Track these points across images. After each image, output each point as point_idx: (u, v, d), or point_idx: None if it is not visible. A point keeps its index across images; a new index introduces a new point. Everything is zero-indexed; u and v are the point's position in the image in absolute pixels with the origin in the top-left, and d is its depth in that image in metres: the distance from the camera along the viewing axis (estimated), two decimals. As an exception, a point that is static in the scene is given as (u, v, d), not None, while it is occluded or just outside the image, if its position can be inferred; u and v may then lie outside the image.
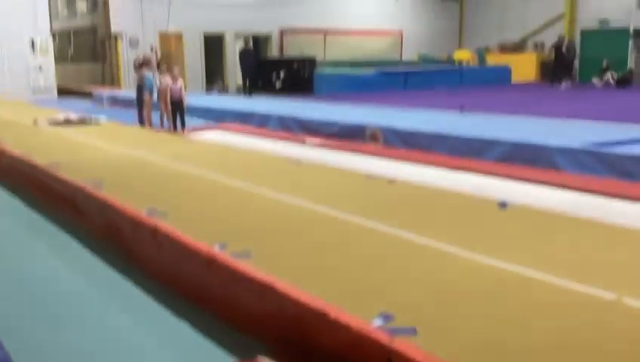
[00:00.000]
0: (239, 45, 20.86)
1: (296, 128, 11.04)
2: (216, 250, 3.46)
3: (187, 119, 11.28)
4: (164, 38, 21.07)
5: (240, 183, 5.47)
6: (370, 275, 3.19)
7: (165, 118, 11.35)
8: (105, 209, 4.78)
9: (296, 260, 3.44)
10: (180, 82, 10.97)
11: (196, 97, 16.03)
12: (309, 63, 19.77)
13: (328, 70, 20.72)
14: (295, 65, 19.80)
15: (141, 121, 11.62)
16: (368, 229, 4.02)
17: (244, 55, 18.92)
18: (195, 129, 11.24)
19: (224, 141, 9.29)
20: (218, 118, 12.98)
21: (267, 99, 16.66)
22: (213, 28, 21.47)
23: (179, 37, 21.21)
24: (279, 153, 8.00)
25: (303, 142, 9.74)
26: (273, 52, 23.12)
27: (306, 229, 4.07)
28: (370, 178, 5.76)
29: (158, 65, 11.66)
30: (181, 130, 10.78)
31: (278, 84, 19.99)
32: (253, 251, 3.49)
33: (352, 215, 4.32)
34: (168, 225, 3.98)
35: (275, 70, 20.21)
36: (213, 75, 22.57)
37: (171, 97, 10.80)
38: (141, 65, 11.75)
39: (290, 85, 19.45)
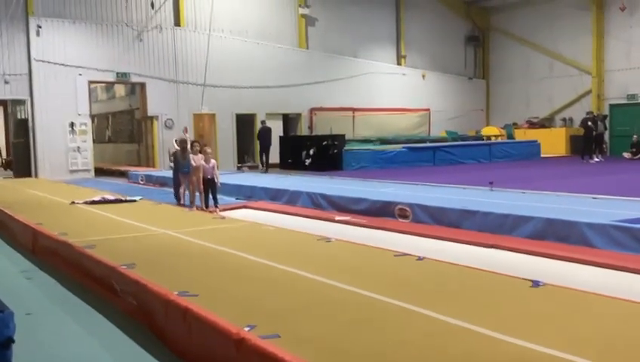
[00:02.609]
0: (260, 125, 21.66)
1: (326, 205, 11.14)
2: (245, 332, 3.48)
3: (219, 197, 11.48)
4: (198, 118, 21.77)
5: (270, 262, 5.52)
6: (400, 358, 3.17)
7: (197, 197, 11.58)
8: (137, 289, 4.86)
9: (326, 341, 3.43)
10: (213, 161, 11.26)
11: (228, 175, 16.37)
12: (338, 140, 20.11)
13: (357, 147, 21.01)
14: (324, 143, 20.15)
15: (177, 200, 11.93)
16: (398, 309, 4.01)
17: (262, 133, 20.43)
18: (227, 207, 11.43)
19: (255, 219, 9.43)
20: (249, 195, 13.20)
21: (297, 176, 16.92)
22: (245, 108, 22.15)
23: (212, 117, 21.89)
24: (309, 230, 8.07)
25: (332, 219, 9.82)
26: (303, 130, 23.64)
27: (335, 309, 4.07)
28: (400, 255, 5.77)
29: (191, 146, 11.99)
30: (214, 208, 10.97)
31: (307, 161, 20.29)
32: (282, 332, 3.50)
33: (381, 294, 4.32)
34: (199, 306, 4.03)
35: (305, 147, 20.58)
36: (245, 154, 23.09)
37: (204, 175, 11.06)
38: (184, 148, 12.13)
39: (320, 162, 19.72)
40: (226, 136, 22.02)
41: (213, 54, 21.14)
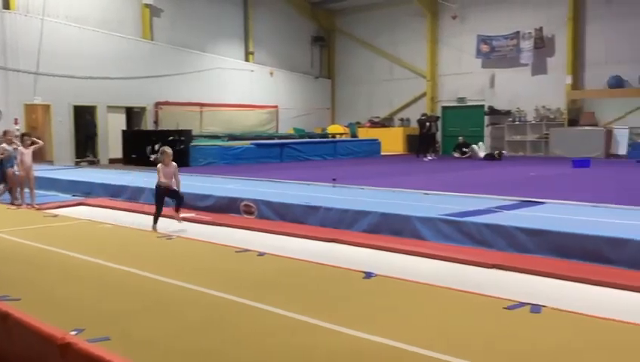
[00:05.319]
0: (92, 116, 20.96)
1: (170, 202, 10.83)
2: (71, 336, 3.29)
3: (48, 193, 10.75)
4: (31, 109, 20.19)
5: (105, 262, 5.28)
6: (237, 355, 3.17)
7: (21, 193, 10.74)
8: (-50, 295, 4.40)
9: (161, 343, 3.34)
10: (174, 165, 8.78)
11: (64, 171, 15.40)
12: (185, 135, 19.67)
13: (204, 142, 20.71)
14: (170, 138, 19.61)
15: (13, 198, 10.97)
16: (237, 305, 4.01)
17: (86, 125, 20.81)
18: (61, 204, 10.74)
19: (92, 216, 8.95)
20: (87, 192, 12.51)
21: (141, 171, 16.31)
22: (85, 100, 20.90)
23: (46, 108, 20.41)
24: (151, 228, 7.82)
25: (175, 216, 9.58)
26: (148, 124, 22.83)
27: (173, 309, 3.98)
28: (241, 251, 5.77)
29: (21, 139, 11.10)
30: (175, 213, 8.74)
31: (152, 157, 19.64)
32: (114, 335, 3.36)
33: (221, 291, 4.29)
34: (20, 311, 3.74)
35: (150, 142, 19.90)
36: (85, 148, 21.81)
37: (166, 186, 8.61)
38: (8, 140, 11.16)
39: (165, 158, 19.17)
40: (63, 129, 20.64)
41: (48, 41, 19.71)
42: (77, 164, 20.49)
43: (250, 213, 9.54)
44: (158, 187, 8.58)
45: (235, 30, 26.26)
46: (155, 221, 8.39)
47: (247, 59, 26.65)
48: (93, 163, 20.66)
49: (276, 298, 4.11)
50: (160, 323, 3.68)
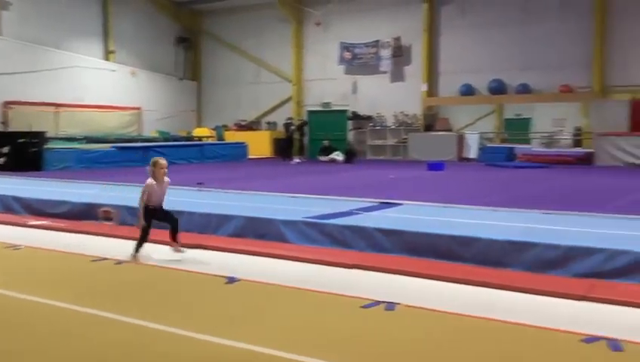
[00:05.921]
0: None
1: (20, 209, 10.12)
2: None
3: None
4: None
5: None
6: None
7: None
8: None
9: None
10: (167, 180, 7.34)
11: None
12: (38, 138, 18.41)
13: (60, 145, 19.53)
14: (21, 140, 18.28)
15: None
16: (86, 317, 3.82)
17: None
18: None
19: None
20: None
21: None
22: None
23: None
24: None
25: (25, 224, 8.99)
26: (-5, 125, 21.15)
27: (15, 323, 3.71)
28: (97, 260, 5.52)
29: None
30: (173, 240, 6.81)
31: (0, 160, 18.20)
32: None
33: (69, 303, 4.07)
34: None
35: (-2, 145, 18.42)
36: None
37: (152, 203, 7.08)
38: None
39: (16, 161, 17.82)
40: None
41: None
42: None
43: (109, 219, 9.13)
44: (148, 208, 6.90)
45: (94, 28, 25.07)
46: (139, 248, 6.35)
47: (107, 59, 25.53)
48: None
49: (131, 307, 3.97)
50: (1, 340, 3.42)
